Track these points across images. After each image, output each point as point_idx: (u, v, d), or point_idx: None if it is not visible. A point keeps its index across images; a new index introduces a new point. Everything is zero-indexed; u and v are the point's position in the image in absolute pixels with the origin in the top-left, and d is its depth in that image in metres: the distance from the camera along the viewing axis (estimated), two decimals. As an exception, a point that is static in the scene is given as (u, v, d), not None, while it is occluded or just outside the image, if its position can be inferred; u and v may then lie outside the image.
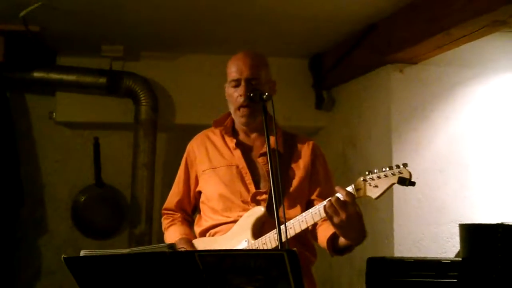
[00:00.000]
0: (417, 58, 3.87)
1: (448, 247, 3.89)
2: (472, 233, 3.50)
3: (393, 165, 2.12)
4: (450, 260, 3.48)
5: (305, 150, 2.48)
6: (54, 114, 4.63)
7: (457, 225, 3.68)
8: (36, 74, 4.49)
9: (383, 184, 2.10)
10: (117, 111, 4.67)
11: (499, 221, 3.51)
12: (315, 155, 2.49)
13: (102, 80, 4.51)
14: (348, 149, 4.53)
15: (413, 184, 2.07)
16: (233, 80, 2.39)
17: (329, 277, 4.69)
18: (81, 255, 1.76)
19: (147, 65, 4.70)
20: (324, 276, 4.68)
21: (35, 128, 4.75)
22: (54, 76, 4.50)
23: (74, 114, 4.65)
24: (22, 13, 3.62)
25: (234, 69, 2.39)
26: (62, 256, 1.71)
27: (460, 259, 3.47)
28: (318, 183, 2.46)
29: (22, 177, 4.53)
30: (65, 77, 4.51)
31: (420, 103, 3.98)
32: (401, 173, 2.08)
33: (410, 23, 3.59)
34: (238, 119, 2.42)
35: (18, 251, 4.59)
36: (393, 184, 2.10)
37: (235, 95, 2.38)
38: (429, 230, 3.89)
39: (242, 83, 2.36)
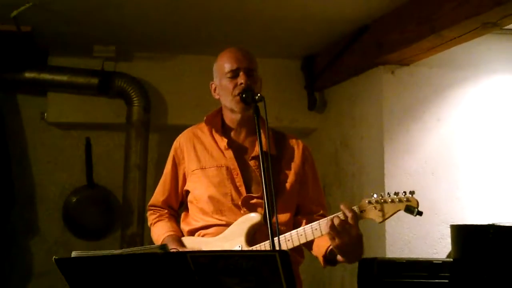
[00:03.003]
0: (408, 59, 3.89)
1: (440, 247, 3.90)
2: (463, 234, 3.51)
3: (401, 191, 2.08)
4: (442, 261, 3.49)
5: (296, 152, 2.45)
6: (45, 114, 4.61)
7: (449, 226, 3.70)
8: (28, 75, 4.47)
9: (389, 210, 2.08)
10: (109, 112, 4.66)
11: (490, 222, 3.53)
12: (305, 157, 2.46)
13: (94, 80, 4.50)
14: (340, 150, 4.54)
15: (420, 214, 2.03)
16: (230, 71, 2.34)
17: (321, 278, 4.69)
18: (72, 256, 1.75)
19: (139, 65, 4.69)
20: (316, 277, 4.69)
21: (27, 129, 4.73)
22: (45, 76, 4.49)
23: (66, 114, 4.63)
24: (13, 13, 3.60)
25: (230, 60, 2.35)
26: (54, 257, 1.70)
27: (451, 259, 3.49)
28: (307, 187, 2.44)
29: (13, 177, 4.51)
30: (56, 77, 4.50)
31: (412, 105, 4.00)
32: (409, 201, 2.05)
33: (402, 25, 3.61)
34: (236, 105, 2.34)
35: (9, 252, 4.57)
36: (399, 211, 2.07)
37: (232, 86, 2.32)
38: (420, 230, 3.90)
39: (241, 72, 2.32)
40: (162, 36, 4.31)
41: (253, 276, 1.62)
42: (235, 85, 2.33)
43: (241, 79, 2.32)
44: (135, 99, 4.53)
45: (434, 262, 3.46)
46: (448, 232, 3.72)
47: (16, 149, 4.65)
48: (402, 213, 3.89)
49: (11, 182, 4.48)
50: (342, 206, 2.10)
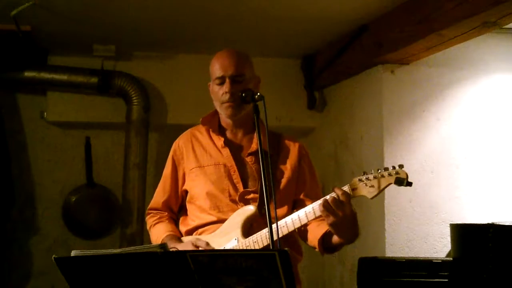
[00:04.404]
0: (408, 58, 3.89)
1: (439, 247, 3.91)
2: (463, 233, 3.52)
3: (388, 166, 2.13)
4: (441, 260, 3.50)
5: (292, 151, 2.49)
6: (45, 113, 4.61)
7: (448, 225, 3.71)
8: (27, 74, 4.47)
9: (380, 184, 2.12)
10: (109, 111, 4.66)
11: (489, 221, 3.53)
12: (301, 155, 2.50)
13: (94, 79, 4.50)
14: (340, 149, 4.55)
15: (410, 184, 2.08)
16: (218, 78, 2.39)
17: (321, 277, 4.70)
18: (72, 255, 1.75)
19: (139, 65, 4.69)
20: (316, 276, 4.69)
21: (26, 128, 4.73)
22: (45, 75, 4.49)
23: (66, 113, 4.63)
24: (13, 13, 3.60)
25: (218, 66, 2.39)
26: (53, 256, 1.70)
27: (451, 259, 3.49)
28: (305, 182, 2.47)
29: (13, 177, 4.51)
30: (56, 76, 4.49)
31: (411, 104, 4.00)
32: (398, 174, 2.09)
33: (402, 24, 3.60)
34: (224, 111, 2.41)
35: (8, 251, 4.57)
36: (390, 184, 2.11)
37: (220, 92, 2.38)
38: (420, 230, 3.91)
39: (227, 80, 2.36)
40: (162, 35, 4.31)
41: (253, 275, 1.63)
42: (222, 93, 2.38)
43: (225, 88, 2.36)
44: (134, 98, 4.53)
45: (434, 261, 3.46)
46: (447, 231, 3.72)
47: (16, 148, 4.65)
48: (401, 212, 3.92)
49: (11, 181, 4.48)
50: (333, 188, 2.15)
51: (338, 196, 2.11)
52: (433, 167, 3.96)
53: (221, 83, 2.38)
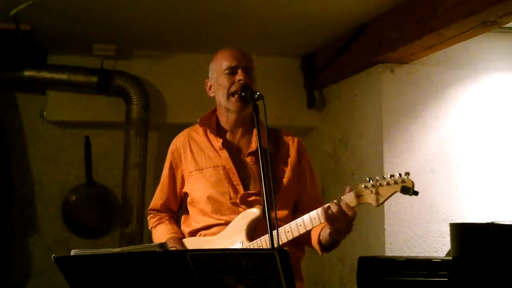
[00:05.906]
0: (408, 58, 3.89)
1: (439, 246, 3.91)
2: (462, 233, 3.52)
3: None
4: (441, 259, 3.50)
5: (291, 148, 2.46)
6: (45, 113, 4.61)
7: (448, 224, 3.71)
8: (27, 73, 4.47)
9: (385, 192, 2.09)
10: (108, 110, 4.65)
11: (489, 221, 3.54)
12: (300, 152, 2.47)
13: (94, 79, 4.50)
14: (340, 149, 4.54)
15: (416, 193, 2.05)
16: (229, 68, 2.35)
17: (321, 276, 4.70)
18: (71, 254, 1.75)
19: (139, 64, 4.69)
20: (316, 275, 4.69)
21: (26, 127, 4.73)
22: (45, 74, 4.48)
23: (65, 113, 4.63)
24: (13, 12, 3.59)
25: (229, 58, 2.37)
26: (53, 255, 1.70)
27: (450, 258, 3.50)
28: (305, 181, 2.45)
29: (13, 176, 4.51)
30: (56, 76, 4.49)
31: (411, 103, 4.00)
32: (404, 182, 2.06)
33: (401, 23, 3.61)
34: (232, 105, 2.36)
35: (8, 250, 4.57)
36: (396, 192, 2.08)
37: (230, 81, 2.34)
38: (420, 229, 3.91)
39: (240, 70, 2.33)
40: (161, 34, 4.31)
41: (252, 274, 1.63)
42: (233, 82, 2.34)
43: (239, 76, 2.33)
44: (134, 97, 4.53)
45: (434, 260, 3.47)
46: (447, 230, 3.72)
47: (16, 147, 4.65)
48: (401, 211, 3.92)
49: (11, 180, 4.48)
50: (338, 199, 2.13)
51: (344, 205, 2.10)
52: (432, 167, 3.97)
53: (232, 73, 2.34)
